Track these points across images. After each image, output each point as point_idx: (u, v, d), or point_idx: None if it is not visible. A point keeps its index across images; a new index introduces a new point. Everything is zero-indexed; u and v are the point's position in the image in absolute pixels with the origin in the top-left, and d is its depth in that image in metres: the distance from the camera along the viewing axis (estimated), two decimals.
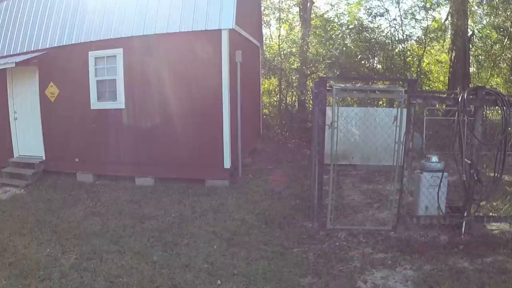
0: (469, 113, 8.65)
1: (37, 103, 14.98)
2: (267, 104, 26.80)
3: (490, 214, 9.64)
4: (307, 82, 24.91)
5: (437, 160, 9.27)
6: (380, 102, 21.81)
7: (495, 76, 25.46)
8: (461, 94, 8.48)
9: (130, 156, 14.11)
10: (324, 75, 20.90)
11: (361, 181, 13.74)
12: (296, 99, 26.11)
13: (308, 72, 24.66)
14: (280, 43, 26.63)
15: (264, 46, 23.23)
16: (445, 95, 11.46)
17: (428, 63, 27.28)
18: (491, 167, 9.72)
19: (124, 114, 14.07)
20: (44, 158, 15.16)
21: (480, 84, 21.94)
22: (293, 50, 25.85)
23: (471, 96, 8.58)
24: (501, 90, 17.85)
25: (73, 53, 14.28)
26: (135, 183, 13.84)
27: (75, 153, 14.67)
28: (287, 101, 26.46)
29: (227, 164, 13.31)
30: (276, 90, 26.52)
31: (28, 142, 15.66)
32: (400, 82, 14.17)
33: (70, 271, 7.65)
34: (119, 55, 13.82)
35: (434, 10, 24.94)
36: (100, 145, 14.34)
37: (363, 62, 24.92)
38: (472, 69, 25.00)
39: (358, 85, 13.57)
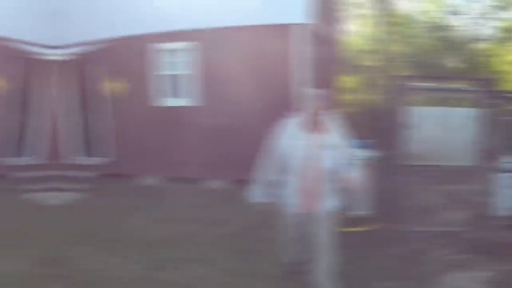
0: None
1: (102, 100, 14.93)
2: (348, 102, 26.69)
3: None
4: (389, 80, 24.75)
5: None
6: (461, 102, 21.55)
7: None
8: None
9: (202, 157, 13.82)
10: (406, 74, 20.71)
11: (440, 182, 13.59)
12: (379, 98, 25.97)
13: (390, 70, 24.49)
14: (361, 40, 26.49)
15: (344, 43, 23.09)
16: None
17: (509, 63, 26.74)
18: None
19: (197, 112, 13.96)
20: (110, 159, 14.89)
21: None
22: (375, 47, 25.70)
23: None
24: None
25: (141, 45, 14.29)
26: (207, 186, 13.81)
27: (143, 154, 14.58)
28: (369, 100, 26.33)
29: None
30: (358, 88, 26.38)
31: (93, 142, 15.52)
32: (480, 82, 13.97)
33: (133, 283, 7.29)
34: (191, 49, 13.88)
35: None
36: (168, 145, 14.24)
37: (443, 61, 24.60)
38: None
39: (438, 84, 13.45)
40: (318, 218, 5.59)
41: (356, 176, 5.51)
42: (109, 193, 13.14)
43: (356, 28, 28.12)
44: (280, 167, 5.55)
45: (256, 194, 5.83)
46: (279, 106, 12.57)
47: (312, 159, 5.37)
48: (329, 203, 5.63)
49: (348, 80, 26.51)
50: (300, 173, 5.42)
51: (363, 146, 9.26)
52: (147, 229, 10.00)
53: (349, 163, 5.50)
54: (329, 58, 18.06)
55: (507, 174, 8.90)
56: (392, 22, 25.45)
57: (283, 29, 13.06)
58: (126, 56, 14.36)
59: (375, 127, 22.04)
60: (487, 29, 24.76)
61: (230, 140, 13.50)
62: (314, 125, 5.43)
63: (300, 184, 5.47)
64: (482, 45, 24.50)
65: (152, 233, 9.67)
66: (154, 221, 10.58)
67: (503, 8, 23.62)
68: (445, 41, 23.68)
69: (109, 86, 14.62)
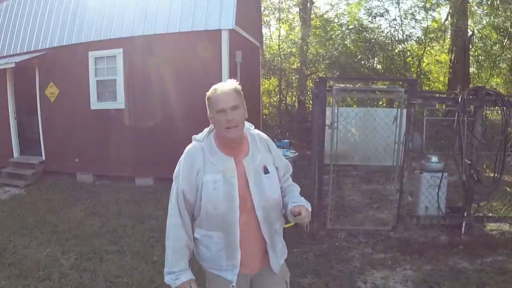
0: (469, 113, 8.66)
1: (37, 103, 14.99)
2: (267, 104, 26.84)
3: (490, 214, 9.64)
4: (307, 82, 24.93)
5: (437, 160, 9.29)
6: (380, 103, 21.83)
7: (495, 76, 25.48)
8: (461, 94, 8.49)
9: (131, 157, 14.11)
10: (324, 76, 20.91)
11: (361, 181, 13.75)
12: (296, 99, 26.13)
13: (308, 73, 24.68)
14: (280, 43, 26.69)
15: (264, 46, 23.21)
16: (445, 95, 11.43)
17: (428, 64, 27.29)
18: (491, 168, 9.75)
19: (124, 114, 14.08)
20: (44, 158, 15.18)
21: (480, 84, 21.91)
22: (293, 50, 25.90)
23: (471, 96, 8.59)
24: (501, 90, 17.90)
25: (73, 53, 14.28)
26: (135, 184, 13.89)
27: (75, 153, 14.67)
28: (287, 101, 26.49)
29: None
30: (276, 90, 26.56)
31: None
32: (400, 82, 14.18)
33: (70, 271, 7.63)
34: (119, 55, 13.83)
35: (434, 10, 24.92)
36: (100, 145, 14.31)
37: (363, 62, 24.92)
38: (472, 69, 25.00)
39: (358, 85, 13.57)
40: (269, 279, 3.82)
41: (307, 204, 3.65)
42: (45, 190, 13.59)
43: (278, 31, 28.33)
44: (194, 221, 3.73)
45: (174, 271, 3.59)
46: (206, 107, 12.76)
47: (245, 195, 3.53)
48: (280, 253, 3.84)
49: (268, 82, 26.68)
50: (229, 222, 3.51)
51: (283, 147, 9.25)
52: (81, 222, 10.43)
53: (294, 185, 4.05)
54: (253, 62, 18.16)
55: (429, 174, 9.02)
56: (313, 25, 25.70)
57: (211, 34, 13.19)
58: (63, 63, 14.56)
59: (295, 128, 22.27)
60: (411, 29, 25.23)
61: (158, 141, 13.70)
62: (232, 145, 3.56)
63: (233, 239, 3.54)
64: (405, 46, 24.92)
65: (86, 226, 10.15)
66: (87, 215, 10.98)
67: (427, 9, 24.05)
68: (367, 42, 23.96)
69: (48, 91, 14.83)
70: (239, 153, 3.60)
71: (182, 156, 3.60)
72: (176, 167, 3.63)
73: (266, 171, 3.64)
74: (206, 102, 3.54)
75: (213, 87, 3.53)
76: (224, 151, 3.55)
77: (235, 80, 3.61)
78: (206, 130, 3.70)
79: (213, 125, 3.56)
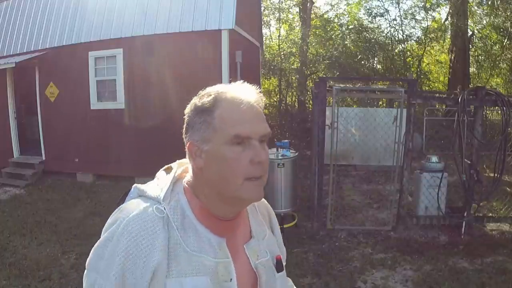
0: (469, 113, 8.65)
1: (37, 103, 14.99)
2: (267, 105, 26.78)
3: (490, 214, 9.64)
4: (307, 82, 24.90)
5: (437, 160, 9.27)
6: (380, 103, 21.80)
7: (495, 76, 25.43)
8: (461, 94, 8.48)
9: (131, 157, 14.07)
10: (324, 76, 20.88)
11: (361, 181, 13.74)
12: (296, 99, 26.10)
13: (308, 73, 24.65)
14: (280, 43, 26.67)
15: (264, 46, 23.19)
16: (445, 95, 11.42)
17: (428, 64, 27.26)
18: (491, 168, 9.74)
19: (124, 114, 14.07)
20: (44, 158, 15.17)
21: (480, 84, 21.86)
22: (293, 50, 25.87)
23: (471, 96, 8.59)
24: (501, 90, 17.84)
25: (73, 53, 14.27)
26: (136, 183, 13.76)
27: (75, 153, 14.67)
28: (287, 101, 26.46)
29: None
30: (276, 90, 26.53)
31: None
32: (400, 82, 14.17)
33: (70, 271, 7.64)
34: (119, 55, 13.84)
35: (434, 10, 24.93)
36: (100, 145, 14.30)
37: (363, 62, 24.88)
38: (472, 69, 24.95)
39: (358, 85, 13.57)
40: None
41: None
42: (45, 190, 13.56)
43: (278, 31, 28.32)
44: None
45: None
46: None
47: None
48: None
49: (268, 82, 26.67)
50: None
51: (283, 147, 9.23)
52: (81, 222, 10.43)
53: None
54: (253, 62, 18.17)
55: (429, 174, 9.01)
56: (313, 25, 25.69)
57: (211, 34, 13.19)
58: (63, 63, 14.53)
59: (295, 128, 22.25)
60: (411, 29, 25.23)
61: (158, 141, 13.54)
62: (230, 215, 1.82)
63: None
64: (405, 46, 24.92)
65: (86, 226, 10.11)
66: (87, 215, 10.98)
67: (427, 9, 24.05)
68: (367, 42, 23.94)
69: (48, 91, 14.81)
70: (236, 232, 1.88)
71: (112, 233, 1.73)
72: (95, 253, 1.87)
73: (279, 266, 2.02)
74: (194, 116, 1.74)
75: (222, 87, 1.78)
76: (210, 226, 1.78)
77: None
78: (166, 177, 1.88)
79: (202, 168, 1.72)
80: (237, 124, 1.65)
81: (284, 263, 2.11)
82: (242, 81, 1.87)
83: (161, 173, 1.93)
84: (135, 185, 1.89)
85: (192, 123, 1.73)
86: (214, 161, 1.68)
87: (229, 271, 1.76)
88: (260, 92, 1.87)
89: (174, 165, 1.94)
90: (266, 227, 2.10)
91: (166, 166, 1.97)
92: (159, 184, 1.83)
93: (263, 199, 1.90)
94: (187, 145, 1.74)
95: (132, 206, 1.76)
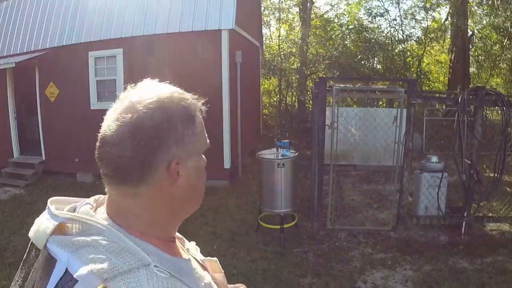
0: (469, 113, 8.65)
1: (37, 103, 14.98)
2: (267, 104, 26.84)
3: (490, 214, 9.65)
4: (307, 82, 24.91)
5: (437, 160, 9.27)
6: (380, 103, 21.80)
7: (495, 76, 25.43)
8: (461, 94, 8.48)
9: None
10: (324, 76, 20.88)
11: (361, 181, 13.74)
12: (296, 99, 26.12)
13: (308, 72, 24.67)
14: (280, 43, 26.70)
15: (264, 46, 23.20)
16: (445, 95, 11.43)
17: (428, 64, 27.27)
18: (491, 168, 9.74)
19: None
20: (44, 158, 15.16)
21: (480, 84, 21.85)
22: (293, 50, 25.89)
23: (471, 96, 8.59)
24: (501, 90, 17.83)
25: (73, 53, 14.25)
26: None
27: (75, 153, 14.62)
28: (287, 101, 26.48)
29: (227, 164, 13.34)
30: (276, 90, 26.56)
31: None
32: (400, 82, 14.18)
33: None
34: (119, 55, 13.82)
35: (434, 10, 24.96)
36: None
37: (363, 62, 24.88)
38: (472, 69, 24.94)
39: (358, 85, 13.58)
40: None
41: None
42: (45, 190, 13.53)
43: (278, 31, 28.36)
44: None
45: None
46: (206, 107, 12.75)
47: None
48: None
49: (268, 82, 26.69)
50: None
51: (284, 147, 9.22)
52: None
53: None
54: (253, 62, 18.18)
55: (429, 174, 9.01)
56: (313, 25, 25.70)
57: (211, 35, 13.20)
58: (63, 63, 14.51)
59: (295, 128, 22.25)
60: (411, 29, 25.24)
61: None
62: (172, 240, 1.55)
63: None
64: (405, 46, 24.92)
65: None
66: None
67: (427, 9, 24.06)
68: (367, 42, 23.95)
69: (48, 91, 14.80)
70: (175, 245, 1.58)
71: None
72: None
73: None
74: (180, 127, 1.41)
75: (186, 97, 1.53)
76: (174, 253, 1.49)
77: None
78: (99, 222, 1.34)
79: (181, 190, 1.42)
80: (204, 131, 1.50)
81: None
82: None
83: (87, 219, 1.35)
84: (81, 273, 1.19)
85: (181, 136, 1.40)
86: (197, 176, 1.47)
87: (212, 285, 1.55)
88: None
89: (80, 203, 1.60)
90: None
91: (68, 207, 1.56)
92: (111, 245, 1.26)
93: None
94: (171, 165, 1.37)
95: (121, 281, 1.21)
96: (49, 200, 1.47)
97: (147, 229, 1.39)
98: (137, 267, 1.23)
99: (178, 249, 1.55)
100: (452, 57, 23.22)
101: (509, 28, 22.36)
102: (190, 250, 1.68)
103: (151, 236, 1.39)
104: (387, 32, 25.26)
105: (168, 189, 1.38)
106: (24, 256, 1.47)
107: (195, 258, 1.63)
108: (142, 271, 1.23)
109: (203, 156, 1.49)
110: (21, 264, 1.51)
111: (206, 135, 1.49)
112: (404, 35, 24.85)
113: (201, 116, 1.49)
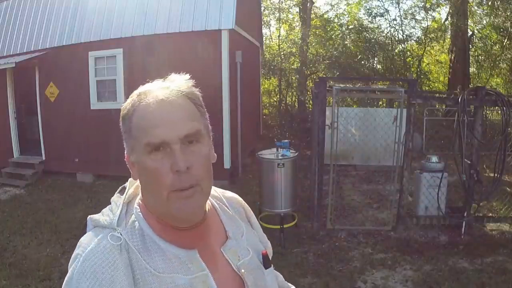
0: (469, 113, 8.65)
1: (37, 103, 14.98)
2: (267, 104, 26.86)
3: (490, 214, 9.65)
4: (307, 82, 24.91)
5: (437, 160, 9.26)
6: (380, 103, 21.80)
7: (495, 76, 25.43)
8: (461, 94, 8.48)
9: None
10: (324, 76, 20.88)
11: (361, 181, 13.73)
12: (296, 99, 26.12)
13: (308, 72, 24.66)
14: (280, 43, 26.70)
15: (264, 46, 23.20)
16: (445, 95, 11.43)
17: (428, 64, 27.28)
18: (491, 168, 9.74)
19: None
20: (44, 158, 15.16)
21: (480, 84, 21.85)
22: (293, 50, 25.89)
23: (471, 96, 8.59)
24: (501, 90, 17.83)
25: (73, 53, 14.26)
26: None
27: (75, 153, 14.67)
28: (287, 101, 26.49)
29: (226, 164, 13.33)
30: (276, 90, 26.57)
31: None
32: (400, 82, 14.17)
33: None
34: (119, 55, 13.82)
35: (434, 10, 24.96)
36: (100, 145, 14.23)
37: (363, 62, 24.89)
38: (472, 69, 24.94)
39: (358, 85, 13.57)
40: None
41: None
42: (45, 190, 13.58)
43: (278, 31, 28.36)
44: None
45: None
46: (206, 107, 12.74)
47: None
48: None
49: (268, 82, 26.70)
50: None
51: (284, 147, 9.22)
52: (81, 222, 10.26)
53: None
54: (253, 62, 18.18)
55: (429, 174, 9.01)
56: (313, 25, 25.70)
57: (211, 34, 13.20)
58: (63, 63, 14.52)
59: (295, 128, 22.25)
60: (411, 29, 25.26)
61: None
62: (185, 225, 1.61)
63: None
64: (405, 46, 24.93)
65: None
66: (87, 215, 10.79)
67: (427, 8, 24.07)
68: (367, 42, 23.96)
69: (48, 91, 14.81)
70: (208, 238, 1.68)
71: (72, 273, 1.67)
72: None
73: (267, 262, 1.81)
74: (121, 125, 1.65)
75: (143, 87, 1.72)
76: (175, 241, 1.59)
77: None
78: (119, 199, 1.69)
79: (140, 182, 1.63)
80: (148, 129, 1.49)
81: (270, 256, 1.87)
82: (172, 74, 1.67)
83: (115, 196, 1.71)
84: (89, 216, 1.64)
85: (122, 132, 1.61)
86: (141, 173, 1.56)
87: (208, 285, 1.56)
88: (190, 82, 1.68)
89: (127, 184, 1.76)
90: (243, 223, 1.88)
91: (120, 187, 1.76)
92: (112, 209, 1.64)
93: (231, 193, 2.02)
94: (126, 154, 1.63)
95: (87, 239, 1.56)
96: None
97: (146, 205, 1.62)
98: (107, 227, 1.56)
99: (196, 242, 1.61)
100: (452, 57, 23.22)
101: (509, 28, 22.37)
102: (227, 250, 1.70)
103: (150, 215, 1.60)
104: (387, 32, 25.30)
105: (132, 170, 1.63)
106: None
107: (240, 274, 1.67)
108: (105, 231, 1.55)
109: (154, 155, 1.48)
110: None
111: (145, 135, 1.50)
112: (404, 35, 24.88)
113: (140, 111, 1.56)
